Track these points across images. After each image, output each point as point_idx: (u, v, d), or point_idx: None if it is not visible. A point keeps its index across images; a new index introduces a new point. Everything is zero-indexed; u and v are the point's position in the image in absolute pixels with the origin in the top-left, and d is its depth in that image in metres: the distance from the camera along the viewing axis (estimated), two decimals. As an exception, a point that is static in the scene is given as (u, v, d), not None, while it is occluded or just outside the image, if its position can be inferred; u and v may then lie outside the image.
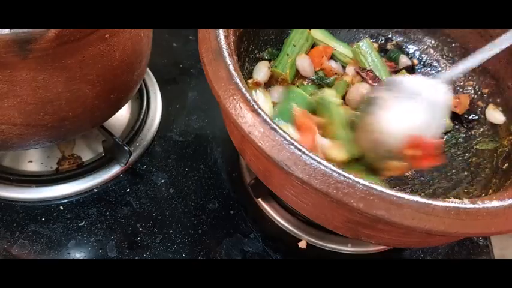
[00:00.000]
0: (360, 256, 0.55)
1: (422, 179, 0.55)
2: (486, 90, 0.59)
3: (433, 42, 0.63)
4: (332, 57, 0.62)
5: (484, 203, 0.36)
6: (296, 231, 0.55)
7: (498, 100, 0.57)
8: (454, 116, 0.59)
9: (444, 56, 0.63)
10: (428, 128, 0.47)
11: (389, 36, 0.65)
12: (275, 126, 0.37)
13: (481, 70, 0.59)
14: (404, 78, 0.53)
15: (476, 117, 0.58)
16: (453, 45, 0.61)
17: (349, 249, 0.55)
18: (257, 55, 0.59)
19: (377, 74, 0.59)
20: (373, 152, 0.48)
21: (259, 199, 0.57)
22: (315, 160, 0.35)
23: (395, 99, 0.49)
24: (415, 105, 0.48)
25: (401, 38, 0.65)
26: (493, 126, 0.56)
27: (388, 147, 0.47)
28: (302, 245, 0.55)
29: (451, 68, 0.52)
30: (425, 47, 0.64)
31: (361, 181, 0.35)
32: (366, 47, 0.60)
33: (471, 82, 0.60)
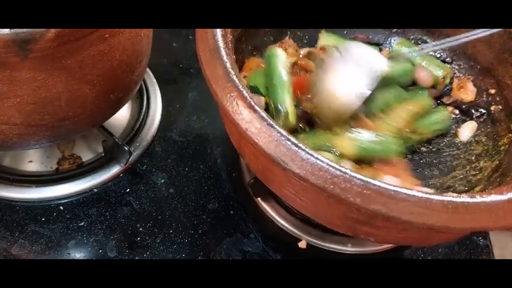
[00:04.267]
0: (360, 256, 0.55)
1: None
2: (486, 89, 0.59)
3: (433, 42, 0.63)
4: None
5: (482, 197, 0.36)
6: (296, 231, 0.55)
7: (498, 98, 0.57)
8: (464, 109, 0.59)
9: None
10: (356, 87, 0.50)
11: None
12: (271, 122, 0.37)
13: (480, 69, 0.59)
14: (352, 45, 0.54)
15: (485, 111, 0.58)
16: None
17: (349, 249, 0.55)
18: (256, 56, 0.59)
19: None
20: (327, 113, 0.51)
21: (259, 199, 0.57)
22: (311, 155, 0.35)
23: (339, 62, 0.51)
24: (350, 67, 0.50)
25: (402, 38, 0.65)
26: (493, 124, 0.56)
27: (335, 109, 0.49)
28: (302, 245, 0.55)
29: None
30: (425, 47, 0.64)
31: (358, 176, 0.35)
32: None
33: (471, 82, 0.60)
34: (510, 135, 0.54)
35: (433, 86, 0.60)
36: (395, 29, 0.64)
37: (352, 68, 0.50)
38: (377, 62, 0.52)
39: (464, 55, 0.60)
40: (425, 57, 0.61)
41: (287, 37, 0.62)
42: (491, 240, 0.58)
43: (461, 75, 0.61)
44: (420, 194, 0.35)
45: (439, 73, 0.59)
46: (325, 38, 0.62)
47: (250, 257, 0.54)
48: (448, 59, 0.62)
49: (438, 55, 0.62)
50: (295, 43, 0.62)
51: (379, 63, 0.51)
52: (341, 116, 0.50)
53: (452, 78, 0.61)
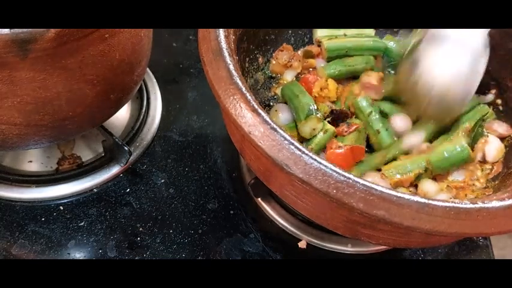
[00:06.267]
0: (360, 256, 0.55)
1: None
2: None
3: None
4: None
5: (483, 203, 0.36)
6: (296, 231, 0.55)
7: (498, 101, 0.57)
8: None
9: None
10: (466, 76, 0.47)
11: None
12: (275, 126, 0.37)
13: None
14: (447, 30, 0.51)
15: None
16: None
17: (349, 249, 0.55)
18: (257, 55, 0.59)
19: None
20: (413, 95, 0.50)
21: (259, 199, 0.57)
22: (315, 160, 0.35)
23: (437, 48, 0.49)
24: (454, 50, 0.48)
25: (401, 38, 0.65)
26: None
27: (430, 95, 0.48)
28: (302, 245, 0.55)
29: None
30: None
31: (361, 181, 0.35)
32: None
33: None
34: (509, 137, 0.54)
35: None
36: (396, 29, 0.64)
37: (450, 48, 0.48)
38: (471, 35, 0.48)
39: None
40: None
41: (285, 43, 0.62)
42: (491, 240, 0.58)
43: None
44: (422, 200, 0.35)
45: None
46: (321, 30, 0.62)
47: (250, 257, 0.54)
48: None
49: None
50: (290, 47, 0.62)
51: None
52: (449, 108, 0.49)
53: None
